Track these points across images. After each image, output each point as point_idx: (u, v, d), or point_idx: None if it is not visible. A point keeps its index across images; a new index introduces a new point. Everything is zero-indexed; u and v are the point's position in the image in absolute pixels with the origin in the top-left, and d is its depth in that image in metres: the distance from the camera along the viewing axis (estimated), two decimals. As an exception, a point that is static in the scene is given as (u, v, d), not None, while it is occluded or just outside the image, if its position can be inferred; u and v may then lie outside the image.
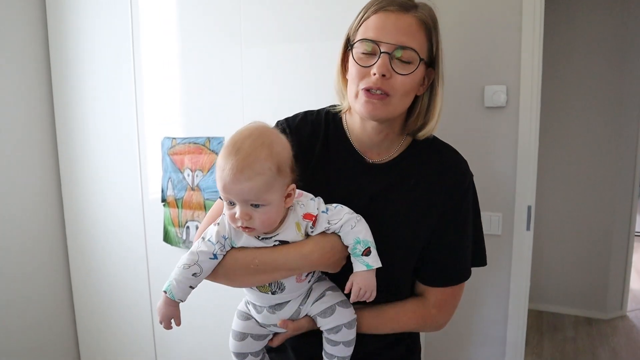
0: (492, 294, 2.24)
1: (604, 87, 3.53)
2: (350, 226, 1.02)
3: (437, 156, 1.13)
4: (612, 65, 3.50)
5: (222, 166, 0.94)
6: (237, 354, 1.13)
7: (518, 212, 2.15)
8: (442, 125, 2.24)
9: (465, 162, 1.14)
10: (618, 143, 3.59)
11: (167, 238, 2.12)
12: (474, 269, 1.16)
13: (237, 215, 0.96)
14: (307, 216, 1.02)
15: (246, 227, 0.97)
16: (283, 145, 0.99)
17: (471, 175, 1.14)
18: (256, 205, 0.95)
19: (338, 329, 1.05)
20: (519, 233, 2.16)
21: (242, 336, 1.11)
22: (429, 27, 1.03)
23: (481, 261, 1.17)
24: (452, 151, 1.15)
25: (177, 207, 2.07)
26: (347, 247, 1.03)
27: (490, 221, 2.18)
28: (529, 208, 2.14)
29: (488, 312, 2.26)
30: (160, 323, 1.04)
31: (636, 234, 4.06)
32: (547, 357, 3.24)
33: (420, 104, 1.09)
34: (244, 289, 1.11)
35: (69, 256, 2.45)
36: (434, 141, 1.15)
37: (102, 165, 2.27)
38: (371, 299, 1.02)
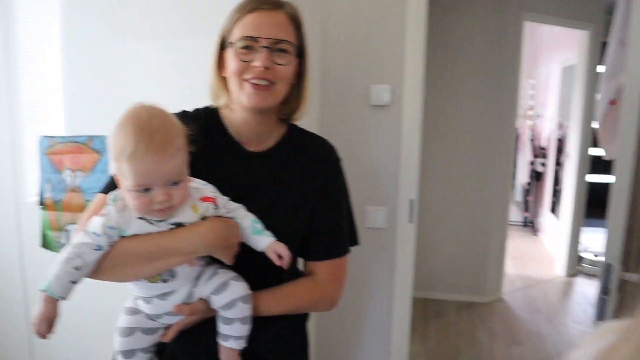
0: (378, 285, 2.35)
1: (483, 88, 3.81)
2: (243, 212, 1.08)
3: (310, 144, 1.25)
4: (491, 67, 3.78)
5: (138, 153, 0.91)
6: (125, 352, 1.06)
7: (401, 206, 2.27)
8: (330, 123, 2.33)
9: (334, 148, 1.27)
10: (495, 140, 3.89)
11: (45, 243, 2.00)
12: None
13: (158, 199, 0.95)
14: (205, 199, 1.03)
15: (166, 208, 0.97)
16: (178, 120, 1.01)
17: (340, 160, 1.27)
18: (175, 183, 0.96)
19: (233, 304, 1.05)
20: (402, 226, 2.28)
21: (129, 331, 1.06)
22: (298, 22, 1.15)
23: (356, 240, 1.32)
24: (322, 139, 1.28)
25: (56, 209, 1.96)
26: (240, 234, 1.07)
27: (375, 215, 2.28)
28: (412, 202, 2.27)
29: (375, 302, 2.37)
30: (34, 329, 0.96)
31: (510, 223, 4.44)
32: (432, 341, 3.45)
33: (293, 92, 1.19)
34: (129, 285, 1.07)
35: None
36: (305, 131, 1.27)
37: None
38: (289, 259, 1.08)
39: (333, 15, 2.27)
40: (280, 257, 1.07)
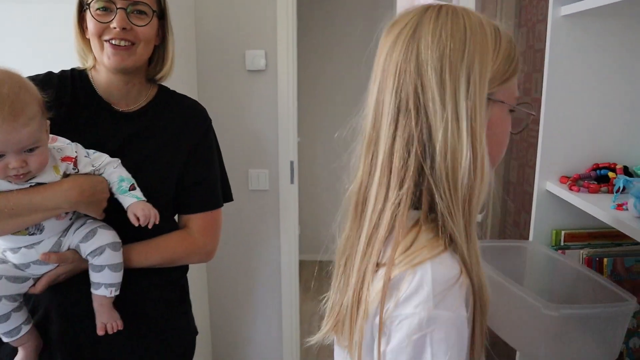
0: (266, 245, 2.42)
1: (356, 50, 3.89)
2: (112, 167, 1.10)
3: (181, 104, 1.30)
4: (364, 31, 3.91)
5: None
6: None
7: (282, 168, 2.34)
8: (207, 88, 2.32)
9: (204, 108, 1.32)
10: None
11: None
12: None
13: (11, 166, 0.94)
14: (66, 159, 1.04)
15: (22, 174, 0.96)
16: (33, 86, 1.00)
17: (210, 120, 1.32)
18: (30, 150, 0.95)
19: (102, 250, 1.07)
20: (284, 187, 2.36)
21: None
22: None
23: (229, 196, 1.37)
24: (192, 100, 1.33)
25: None
26: (108, 189, 1.09)
27: (257, 177, 2.34)
28: (292, 163, 2.35)
29: (264, 262, 2.44)
30: None
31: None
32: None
33: (158, 53, 1.23)
34: None
35: None
36: (175, 93, 1.31)
37: None
38: (158, 219, 1.10)
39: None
40: (138, 218, 1.08)
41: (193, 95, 1.34)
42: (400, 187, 0.67)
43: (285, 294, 2.47)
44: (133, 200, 1.09)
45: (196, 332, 1.40)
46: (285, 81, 2.29)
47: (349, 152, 0.78)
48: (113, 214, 1.10)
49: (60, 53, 1.65)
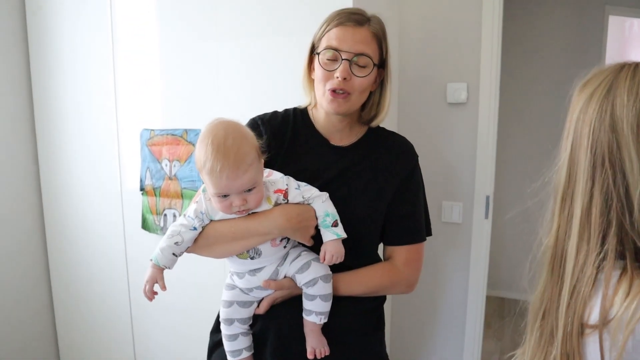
0: (453, 279, 2.39)
1: (561, 86, 3.70)
2: (321, 200, 1.19)
3: (390, 140, 1.37)
4: (571, 64, 3.68)
5: (215, 170, 1.06)
6: (225, 320, 1.26)
7: (477, 202, 2.30)
8: (408, 120, 2.40)
9: (412, 145, 1.38)
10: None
11: (145, 225, 2.22)
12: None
13: (235, 204, 1.11)
14: (277, 191, 1.18)
15: (243, 210, 1.13)
16: (251, 133, 1.16)
17: (417, 156, 1.37)
18: (249, 190, 1.11)
19: (314, 282, 1.19)
20: (478, 221, 2.31)
21: (229, 304, 1.25)
22: (380, 37, 1.25)
23: (429, 231, 1.40)
24: (401, 136, 1.39)
25: (155, 195, 2.17)
26: (316, 218, 1.19)
27: (451, 210, 2.33)
28: (487, 198, 2.29)
29: (449, 296, 2.41)
30: (145, 288, 1.17)
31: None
32: (507, 340, 3.42)
33: (373, 98, 1.32)
34: (227, 262, 1.24)
35: (47, 250, 2.52)
36: (384, 129, 1.39)
37: (81, 158, 2.35)
38: (340, 260, 1.18)
39: (410, 14, 2.34)
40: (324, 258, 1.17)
41: (393, 127, 1.42)
42: (603, 241, 0.68)
43: (468, 330, 2.41)
44: (332, 238, 1.17)
45: None
46: (486, 115, 2.26)
47: (539, 205, 0.78)
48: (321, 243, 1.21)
49: (277, 86, 1.87)
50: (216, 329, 1.37)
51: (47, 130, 2.41)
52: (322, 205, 1.19)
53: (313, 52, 1.28)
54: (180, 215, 2.10)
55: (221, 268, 1.78)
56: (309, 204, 1.19)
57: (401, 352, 2.53)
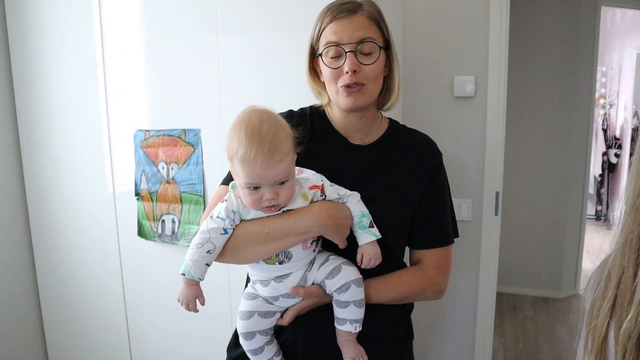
0: (463, 277, 2.32)
1: (558, 78, 3.68)
2: (355, 199, 1.12)
3: (412, 138, 1.29)
4: (567, 56, 3.65)
5: (249, 156, 0.98)
6: (245, 334, 1.14)
7: (487, 199, 2.23)
8: (414, 114, 2.31)
9: (434, 142, 1.31)
10: (571, 131, 3.76)
11: (141, 232, 2.09)
12: None
13: (265, 197, 1.02)
14: (314, 187, 1.10)
15: (273, 206, 1.04)
16: (287, 124, 1.07)
17: (441, 154, 1.30)
18: (282, 183, 1.02)
19: (347, 287, 1.10)
20: (487, 218, 2.24)
21: (248, 314, 1.14)
22: (377, 19, 1.18)
23: (456, 232, 1.32)
24: (424, 134, 1.32)
25: (152, 200, 2.04)
26: (351, 217, 1.11)
27: (460, 207, 2.25)
28: (497, 194, 2.22)
29: (460, 294, 2.35)
30: (186, 307, 1.09)
31: (587, 217, 4.28)
32: (509, 336, 3.39)
33: (385, 83, 1.24)
34: (248, 270, 1.15)
35: (33, 252, 2.37)
36: (405, 127, 1.32)
37: (69, 162, 2.19)
38: (378, 263, 1.12)
39: (415, 6, 2.25)
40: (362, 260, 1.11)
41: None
42: None
43: (479, 329, 2.35)
44: (370, 240, 1.10)
45: None
46: (495, 109, 2.18)
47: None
48: (348, 246, 1.13)
49: (277, 84, 1.77)
50: (234, 344, 1.28)
51: (31, 134, 2.25)
52: (358, 205, 1.12)
53: (314, 55, 1.21)
54: (179, 219, 1.99)
55: (221, 268, 1.67)
56: (343, 202, 1.12)
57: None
